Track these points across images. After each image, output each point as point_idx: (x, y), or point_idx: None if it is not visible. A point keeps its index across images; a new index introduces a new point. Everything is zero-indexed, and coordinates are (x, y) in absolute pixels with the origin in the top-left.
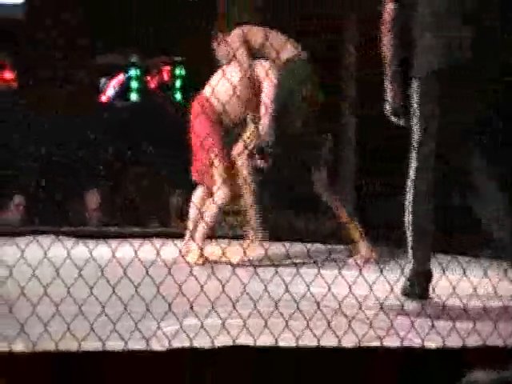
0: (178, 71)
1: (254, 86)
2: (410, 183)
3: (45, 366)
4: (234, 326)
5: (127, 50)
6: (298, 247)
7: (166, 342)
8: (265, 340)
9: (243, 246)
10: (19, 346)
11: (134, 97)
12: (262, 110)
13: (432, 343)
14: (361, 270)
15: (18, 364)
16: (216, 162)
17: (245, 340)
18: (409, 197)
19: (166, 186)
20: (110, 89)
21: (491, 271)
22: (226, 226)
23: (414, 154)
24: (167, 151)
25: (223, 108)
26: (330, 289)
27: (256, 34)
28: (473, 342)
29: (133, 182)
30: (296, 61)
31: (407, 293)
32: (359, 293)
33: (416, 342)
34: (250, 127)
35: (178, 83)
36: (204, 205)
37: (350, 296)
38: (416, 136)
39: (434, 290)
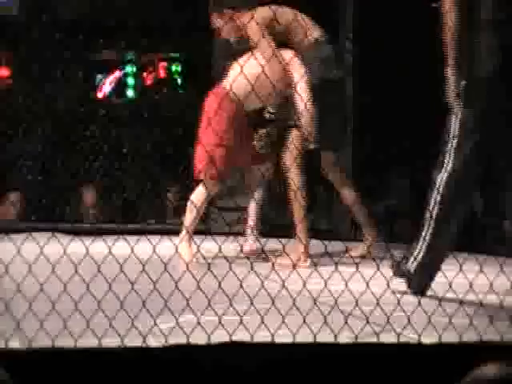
0: (174, 67)
1: (280, 77)
2: (443, 179)
3: (41, 362)
4: (230, 322)
5: (123, 47)
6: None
7: (162, 339)
8: (261, 336)
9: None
10: (15, 343)
11: (130, 93)
12: (302, 110)
13: (429, 339)
14: (357, 265)
15: (14, 360)
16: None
17: (241, 336)
18: (439, 191)
19: (162, 183)
20: (106, 85)
21: (487, 267)
22: (222, 222)
23: (452, 154)
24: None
25: (243, 101)
26: (326, 285)
27: (282, 14)
28: (470, 337)
29: (130, 179)
30: (322, 43)
31: (395, 271)
32: (356, 288)
33: (413, 338)
34: (293, 133)
35: (174, 79)
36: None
37: (347, 292)
38: (457, 134)
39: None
